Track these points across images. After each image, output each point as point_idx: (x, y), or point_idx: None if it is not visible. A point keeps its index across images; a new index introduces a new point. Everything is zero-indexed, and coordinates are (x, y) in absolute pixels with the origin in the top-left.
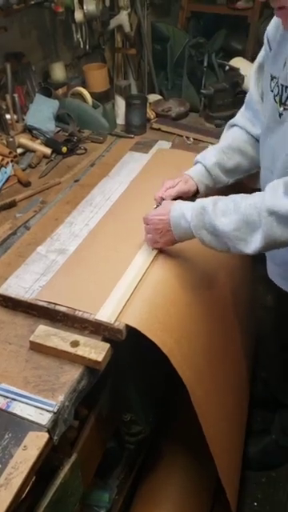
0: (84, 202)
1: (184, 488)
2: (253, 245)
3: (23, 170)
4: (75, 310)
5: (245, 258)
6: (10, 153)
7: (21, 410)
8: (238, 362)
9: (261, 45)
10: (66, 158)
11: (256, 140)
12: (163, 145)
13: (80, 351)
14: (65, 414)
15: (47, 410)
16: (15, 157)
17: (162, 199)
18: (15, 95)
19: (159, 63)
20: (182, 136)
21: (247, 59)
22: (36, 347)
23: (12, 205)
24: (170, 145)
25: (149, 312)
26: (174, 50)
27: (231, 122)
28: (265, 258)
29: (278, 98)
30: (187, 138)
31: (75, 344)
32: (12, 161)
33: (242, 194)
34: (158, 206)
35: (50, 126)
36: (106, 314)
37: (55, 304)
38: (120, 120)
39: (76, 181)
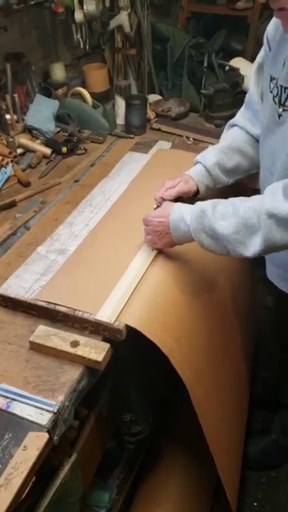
0: (84, 202)
1: (184, 488)
2: (252, 248)
3: (23, 170)
4: (75, 310)
5: (244, 262)
6: (9, 153)
7: (21, 410)
8: (237, 362)
9: (260, 45)
10: (65, 159)
11: (256, 140)
12: (163, 145)
13: (80, 351)
14: (65, 414)
15: (47, 410)
16: (15, 157)
17: (163, 199)
18: (15, 95)
19: (159, 63)
20: (181, 136)
21: (247, 59)
22: (36, 347)
23: (12, 205)
24: (169, 145)
25: (149, 312)
26: (174, 51)
27: (231, 122)
28: (264, 260)
29: (277, 99)
30: (187, 138)
31: (75, 344)
32: (12, 161)
33: (241, 197)
34: (158, 206)
35: (49, 126)
36: (106, 314)
37: (55, 304)
38: (120, 120)
39: (76, 181)
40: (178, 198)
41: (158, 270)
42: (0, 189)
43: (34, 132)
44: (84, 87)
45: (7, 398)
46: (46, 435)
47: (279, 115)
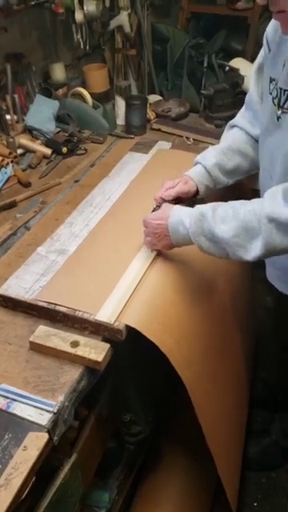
0: (84, 203)
1: (184, 489)
2: (253, 252)
3: (23, 170)
4: (75, 310)
5: (244, 265)
6: (10, 153)
7: (21, 410)
8: (237, 362)
9: (260, 45)
10: (66, 159)
11: (256, 141)
12: (163, 145)
13: (80, 351)
14: (65, 414)
15: (47, 411)
16: (15, 157)
17: (162, 200)
18: (15, 96)
19: (159, 64)
20: (181, 136)
21: (247, 60)
22: (36, 347)
23: (12, 205)
24: (169, 145)
25: (148, 312)
26: (174, 51)
27: (231, 122)
28: (264, 262)
29: (276, 101)
30: (187, 138)
31: (75, 344)
32: (12, 161)
33: (241, 201)
34: (157, 206)
35: (50, 127)
36: (106, 314)
37: (55, 304)
38: (120, 120)
39: (76, 181)
40: (178, 199)
41: (158, 272)
42: (0, 189)
43: (35, 132)
44: (84, 87)
45: (7, 398)
46: (46, 435)
47: (278, 117)
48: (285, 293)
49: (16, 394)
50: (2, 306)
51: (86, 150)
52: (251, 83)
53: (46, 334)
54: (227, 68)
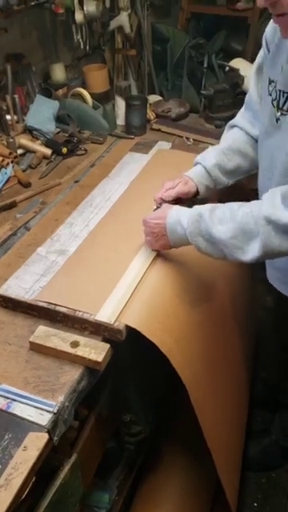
0: (84, 203)
1: (184, 489)
2: (250, 253)
3: (23, 170)
4: (75, 310)
5: (243, 266)
6: (10, 153)
7: (21, 410)
8: (237, 363)
9: (260, 46)
10: (66, 159)
11: (256, 141)
12: (163, 145)
13: (80, 352)
14: (65, 414)
15: (47, 411)
16: (15, 157)
17: (162, 200)
18: (15, 96)
19: (159, 64)
20: (181, 137)
21: (247, 60)
22: (36, 348)
23: (12, 205)
24: (170, 145)
25: (148, 313)
26: (174, 51)
27: (231, 122)
28: (264, 263)
29: (275, 103)
30: (187, 138)
31: (75, 344)
32: (12, 162)
33: (240, 202)
34: (157, 207)
35: (50, 127)
36: (106, 314)
37: (55, 305)
38: (120, 121)
39: (76, 181)
40: (178, 199)
41: (158, 272)
42: (0, 189)
43: (35, 133)
44: (84, 88)
45: (7, 398)
46: (46, 436)
47: (277, 119)
48: (285, 294)
49: (16, 394)
50: (2, 307)
51: (85, 150)
52: (251, 83)
53: (45, 334)
54: (227, 68)
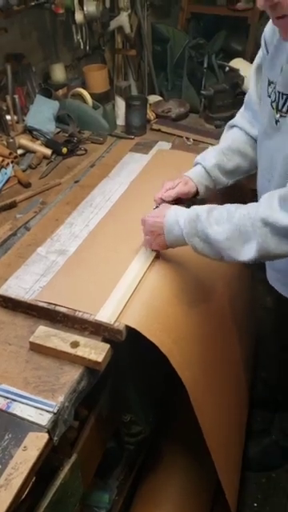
0: (84, 203)
1: (184, 489)
2: (246, 255)
3: (23, 170)
4: (75, 310)
5: (243, 267)
6: (10, 154)
7: (21, 410)
8: (237, 363)
9: (260, 46)
10: (66, 159)
11: (255, 141)
12: (163, 146)
13: (80, 352)
14: (65, 414)
15: (47, 411)
16: (15, 158)
17: (162, 200)
18: (15, 96)
19: (159, 64)
20: (181, 137)
21: (247, 60)
22: (36, 348)
23: (12, 205)
24: (169, 146)
25: (148, 313)
26: (174, 51)
27: (231, 122)
28: (264, 264)
29: (274, 105)
30: (187, 138)
31: (75, 345)
32: (12, 162)
33: (237, 204)
34: (157, 207)
35: (50, 127)
36: (106, 314)
37: (55, 305)
38: (120, 121)
39: (76, 182)
40: (178, 199)
41: (158, 272)
42: (0, 189)
43: (35, 133)
44: (84, 88)
45: (7, 398)
46: (46, 436)
47: (276, 121)
48: (285, 295)
49: (16, 394)
50: (2, 307)
51: (85, 150)
52: (251, 83)
53: (45, 334)
54: (227, 68)
